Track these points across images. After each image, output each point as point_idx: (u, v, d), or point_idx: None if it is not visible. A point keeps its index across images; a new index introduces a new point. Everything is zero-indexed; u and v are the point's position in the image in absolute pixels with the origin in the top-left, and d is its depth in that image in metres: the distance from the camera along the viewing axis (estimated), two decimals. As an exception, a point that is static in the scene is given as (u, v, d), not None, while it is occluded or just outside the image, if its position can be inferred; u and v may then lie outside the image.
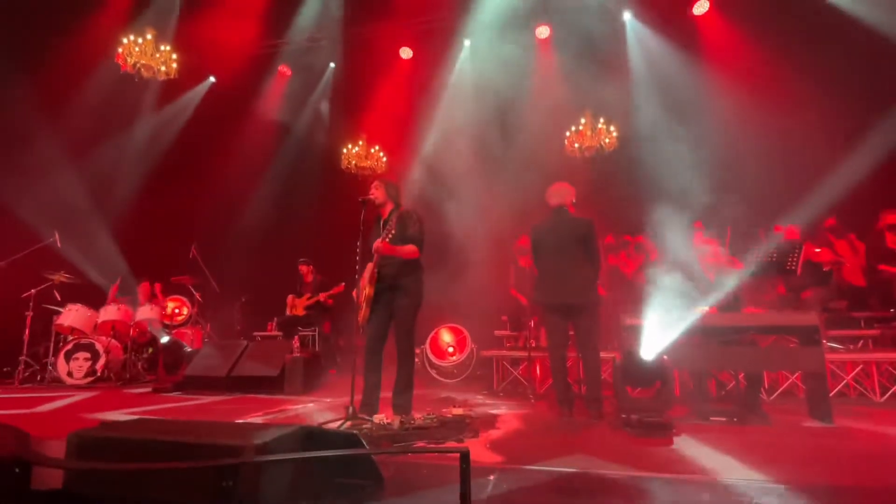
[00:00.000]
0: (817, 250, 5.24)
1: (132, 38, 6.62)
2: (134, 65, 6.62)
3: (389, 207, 3.70)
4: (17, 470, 1.56)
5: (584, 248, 3.81)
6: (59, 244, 6.67)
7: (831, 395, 3.85)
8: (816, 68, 6.74)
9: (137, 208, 7.99)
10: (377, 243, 3.40)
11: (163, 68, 6.80)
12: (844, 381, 4.59)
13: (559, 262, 3.83)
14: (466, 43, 8.51)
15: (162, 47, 6.79)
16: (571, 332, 3.95)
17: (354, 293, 3.59)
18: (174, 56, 6.87)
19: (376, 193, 3.66)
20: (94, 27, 7.25)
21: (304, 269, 7.09)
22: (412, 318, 3.57)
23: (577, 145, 7.29)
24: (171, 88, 8.05)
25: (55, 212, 7.09)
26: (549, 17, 7.81)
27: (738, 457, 2.61)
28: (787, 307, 5.14)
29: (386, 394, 3.60)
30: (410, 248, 3.54)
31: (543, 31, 8.02)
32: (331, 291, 6.83)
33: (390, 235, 3.41)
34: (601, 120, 7.22)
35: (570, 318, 3.84)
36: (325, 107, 8.96)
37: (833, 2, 6.78)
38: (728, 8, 7.31)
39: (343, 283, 6.82)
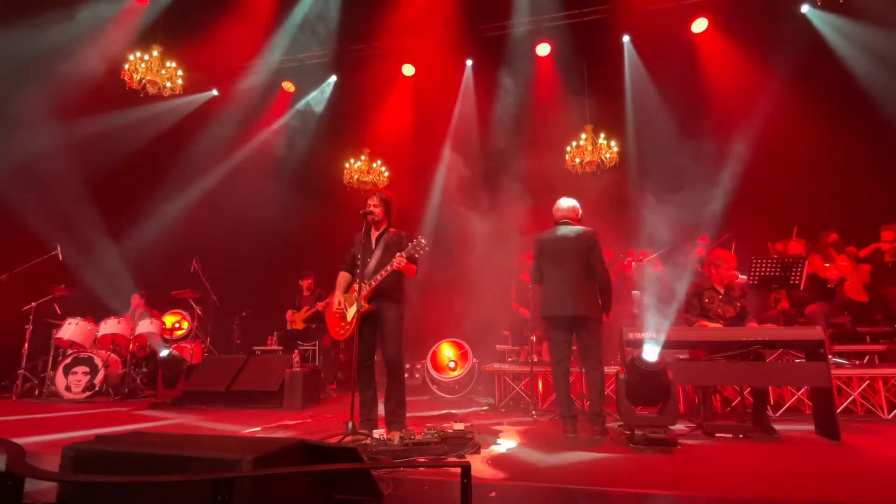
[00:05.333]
0: (827, 265, 5.21)
1: (138, 54, 6.72)
2: (140, 81, 6.70)
3: (384, 224, 3.76)
4: (9, 483, 1.53)
5: (588, 259, 3.80)
6: (60, 257, 6.67)
7: (838, 411, 3.79)
8: (816, 83, 6.81)
9: (138, 221, 8.01)
10: (400, 258, 3.42)
11: (168, 84, 6.89)
12: (851, 398, 4.53)
13: (562, 275, 3.80)
14: (469, 63, 8.61)
15: (168, 63, 6.89)
16: (574, 347, 3.91)
17: (337, 307, 3.60)
18: (180, 72, 6.96)
19: (376, 210, 3.69)
20: (101, 41, 7.35)
21: (303, 283, 7.06)
22: (400, 331, 3.58)
23: (577, 160, 7.32)
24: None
25: (57, 225, 7.12)
26: (549, 34, 7.91)
27: (744, 474, 2.56)
28: (791, 323, 5.09)
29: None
30: (415, 268, 3.63)
31: (544, 49, 8.11)
32: (327, 300, 6.80)
33: (417, 255, 3.49)
34: (602, 135, 7.26)
35: (573, 331, 3.80)
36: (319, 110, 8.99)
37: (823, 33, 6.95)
38: (726, 26, 7.39)
39: None
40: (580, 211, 4.05)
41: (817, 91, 6.76)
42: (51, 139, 7.25)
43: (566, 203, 4.03)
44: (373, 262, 3.61)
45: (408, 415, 3.65)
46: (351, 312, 3.48)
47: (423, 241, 3.47)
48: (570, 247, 3.82)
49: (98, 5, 7.21)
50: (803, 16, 7.14)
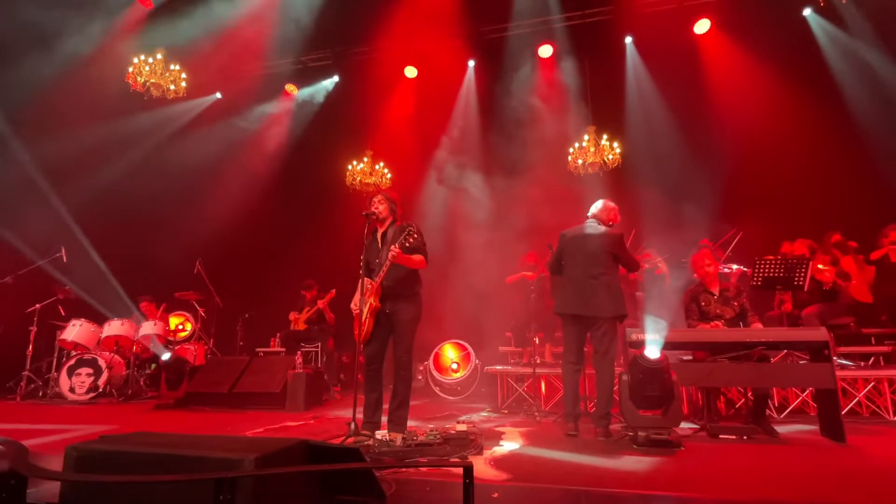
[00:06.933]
0: (821, 266, 5.18)
1: (143, 57, 6.76)
2: (144, 83, 6.74)
3: (389, 221, 3.69)
4: (13, 482, 1.53)
5: (613, 261, 3.81)
6: (65, 259, 6.70)
7: (843, 413, 3.77)
8: (818, 84, 6.80)
9: (141, 224, 8.05)
10: (394, 250, 3.32)
11: (172, 87, 6.92)
12: (856, 399, 4.50)
13: (581, 274, 3.81)
14: (471, 64, 8.63)
15: (171, 66, 6.92)
16: (587, 348, 3.91)
17: (353, 307, 3.55)
18: (183, 75, 6.99)
19: (380, 207, 3.66)
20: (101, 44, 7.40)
21: (306, 293, 7.08)
22: (413, 332, 3.54)
23: (580, 161, 7.30)
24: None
25: (60, 227, 7.16)
26: (552, 36, 7.92)
27: (748, 476, 2.55)
28: (795, 324, 5.06)
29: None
30: (420, 258, 3.53)
31: (546, 50, 8.12)
32: (326, 298, 6.81)
33: (408, 244, 3.37)
34: (604, 136, 7.25)
35: (589, 330, 3.80)
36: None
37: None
38: (729, 26, 7.38)
39: (333, 290, 6.81)
40: (614, 214, 4.01)
41: (820, 92, 6.75)
42: (55, 143, 7.30)
43: (601, 204, 4.03)
44: (381, 260, 3.54)
45: (411, 421, 3.62)
46: (365, 312, 3.45)
47: (411, 227, 3.40)
48: (592, 246, 3.83)
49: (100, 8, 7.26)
50: (806, 18, 7.17)
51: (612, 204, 4.03)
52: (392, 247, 3.35)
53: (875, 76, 6.60)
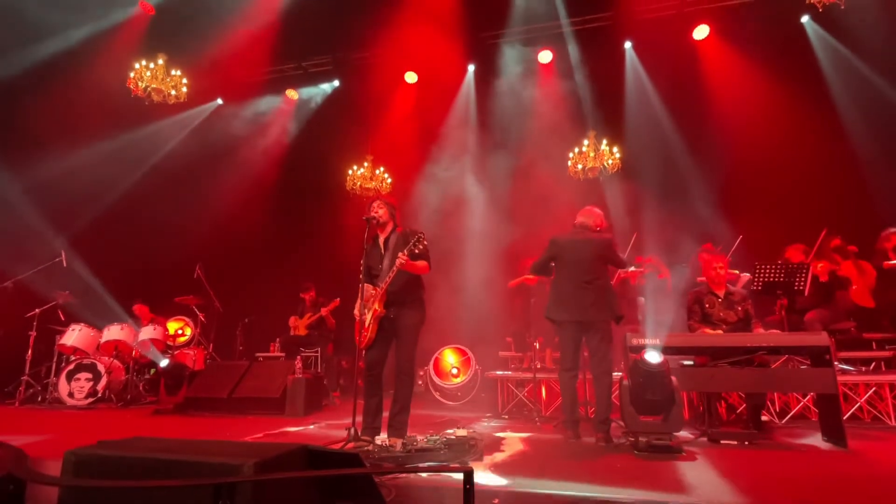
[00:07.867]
0: (819, 266, 5.17)
1: (144, 62, 6.77)
2: (145, 89, 6.75)
3: (389, 227, 3.71)
4: (11, 487, 1.53)
5: (604, 265, 3.84)
6: (65, 264, 6.70)
7: (844, 418, 3.76)
8: (818, 88, 6.83)
9: (141, 228, 8.04)
10: (402, 257, 3.33)
11: (173, 92, 6.93)
12: (857, 404, 4.48)
13: (574, 280, 3.82)
14: (471, 69, 8.67)
15: (173, 71, 6.94)
16: (585, 354, 3.90)
17: (356, 312, 3.54)
18: (185, 80, 7.01)
19: (379, 212, 3.67)
20: (95, 48, 7.44)
21: (305, 296, 7.09)
22: (416, 337, 3.54)
23: (580, 167, 7.31)
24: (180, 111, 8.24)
25: (60, 230, 7.17)
26: (552, 41, 7.96)
27: (750, 482, 2.54)
28: (795, 329, 5.05)
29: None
30: (424, 264, 3.54)
31: (546, 56, 8.16)
32: (329, 307, 6.80)
33: (417, 251, 3.38)
34: (604, 141, 7.27)
35: (584, 335, 3.80)
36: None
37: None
38: (727, 32, 7.42)
39: (338, 299, 6.81)
40: (600, 219, 4.05)
41: (818, 97, 6.77)
42: (55, 147, 7.32)
43: (589, 211, 4.07)
44: (384, 266, 3.55)
45: (411, 427, 3.61)
46: (368, 318, 3.45)
47: (420, 234, 3.42)
48: (584, 253, 3.85)
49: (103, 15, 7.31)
50: (803, 25, 7.21)
51: (597, 210, 4.09)
52: (400, 254, 3.36)
53: (870, 82, 6.63)
